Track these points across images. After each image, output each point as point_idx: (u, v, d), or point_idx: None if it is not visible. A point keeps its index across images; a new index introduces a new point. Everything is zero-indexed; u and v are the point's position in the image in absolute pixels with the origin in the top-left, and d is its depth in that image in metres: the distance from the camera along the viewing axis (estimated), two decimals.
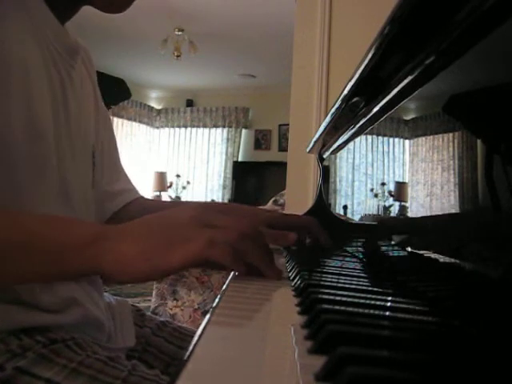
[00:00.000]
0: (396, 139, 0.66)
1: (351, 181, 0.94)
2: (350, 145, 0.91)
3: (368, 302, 0.40)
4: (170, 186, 6.31)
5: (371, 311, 0.37)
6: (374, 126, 0.72)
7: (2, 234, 0.45)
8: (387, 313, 0.37)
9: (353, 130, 0.84)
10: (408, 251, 0.55)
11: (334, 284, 0.48)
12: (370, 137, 0.79)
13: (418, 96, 0.53)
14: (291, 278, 0.53)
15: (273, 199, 2.30)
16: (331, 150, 1.07)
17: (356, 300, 0.40)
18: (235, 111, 6.41)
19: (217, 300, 0.39)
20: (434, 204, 0.49)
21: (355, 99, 0.74)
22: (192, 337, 0.29)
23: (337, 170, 1.07)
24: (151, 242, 0.45)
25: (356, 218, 0.90)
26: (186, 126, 6.68)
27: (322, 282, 0.49)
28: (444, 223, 0.46)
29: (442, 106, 0.47)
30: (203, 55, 4.83)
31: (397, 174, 0.65)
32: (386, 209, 0.69)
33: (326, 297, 0.39)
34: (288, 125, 2.01)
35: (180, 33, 4.51)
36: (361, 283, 0.51)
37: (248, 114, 6.45)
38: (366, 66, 0.59)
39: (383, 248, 0.67)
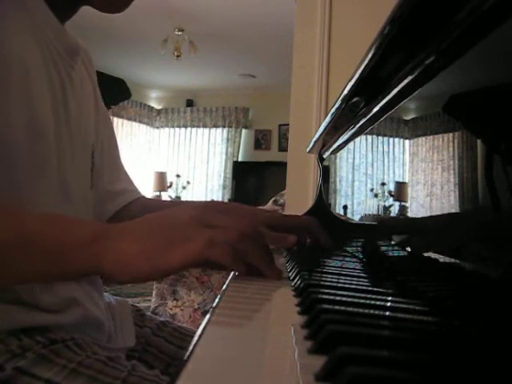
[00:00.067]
0: (396, 139, 0.66)
1: (351, 181, 0.94)
2: (350, 145, 0.91)
3: (368, 302, 0.40)
4: (170, 185, 6.31)
5: (371, 311, 0.37)
6: (374, 126, 0.72)
7: (2, 233, 0.45)
8: (387, 313, 0.37)
9: (353, 130, 0.84)
10: (408, 251, 0.55)
11: (334, 284, 0.48)
12: (370, 137, 0.79)
13: (417, 96, 0.53)
14: (291, 277, 0.53)
15: (273, 199, 2.30)
16: (331, 150, 1.07)
17: (356, 300, 0.40)
18: (235, 111, 6.41)
19: (217, 300, 0.39)
20: (434, 204, 0.49)
21: (355, 99, 0.74)
22: (192, 337, 0.29)
23: (337, 170, 1.07)
24: (151, 242, 0.45)
25: (356, 218, 0.90)
26: (185, 126, 6.68)
27: (322, 282, 0.49)
28: (444, 223, 0.46)
29: (442, 106, 0.47)
30: (203, 55, 4.83)
31: (397, 173, 0.65)
32: (386, 209, 0.69)
33: (326, 297, 0.39)
34: (288, 125, 2.01)
35: (180, 33, 4.51)
36: (361, 283, 0.51)
37: (248, 114, 6.45)
38: (366, 66, 0.59)
39: (383, 248, 0.67)
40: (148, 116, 6.67)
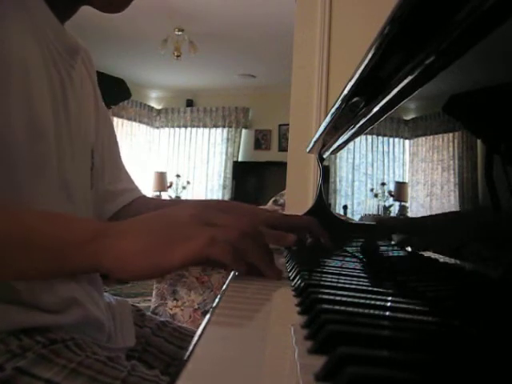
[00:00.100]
0: (396, 139, 0.66)
1: (351, 181, 0.94)
2: (350, 145, 0.91)
3: (368, 301, 0.40)
4: (170, 186, 6.30)
5: (371, 311, 0.37)
6: (374, 126, 0.72)
7: (2, 230, 0.45)
8: (387, 313, 0.37)
9: (353, 130, 0.84)
10: (408, 251, 0.55)
11: (334, 284, 0.48)
12: (370, 137, 0.79)
13: (417, 96, 0.53)
14: (291, 277, 0.53)
15: (273, 199, 2.30)
16: (331, 150, 1.07)
17: (356, 300, 0.40)
18: (235, 111, 6.41)
19: (217, 300, 0.39)
20: (434, 204, 0.49)
21: (355, 99, 0.74)
22: (192, 337, 0.29)
23: (337, 170, 1.07)
24: (152, 240, 0.45)
25: (356, 218, 0.90)
26: (186, 126, 6.67)
27: (322, 282, 0.49)
28: (444, 223, 0.46)
29: (442, 106, 0.47)
30: (203, 55, 4.82)
31: (397, 173, 0.65)
32: (386, 209, 0.69)
33: (326, 297, 0.39)
34: (288, 125, 2.01)
35: (180, 33, 4.51)
36: (361, 283, 0.51)
37: (248, 114, 6.44)
38: (366, 66, 0.59)
39: (383, 248, 0.67)
40: (148, 116, 6.67)
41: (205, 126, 6.57)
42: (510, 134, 0.33)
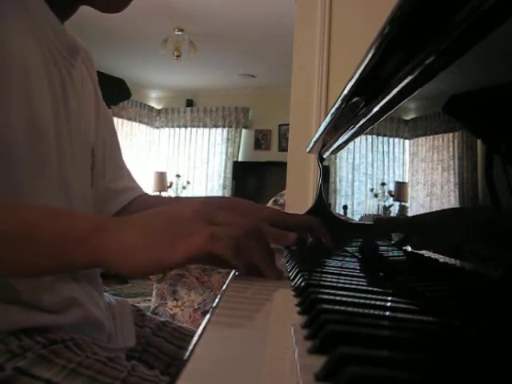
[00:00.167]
0: (396, 139, 0.66)
1: (351, 181, 0.94)
2: (350, 145, 0.91)
3: (368, 302, 0.40)
4: (170, 185, 6.30)
5: (371, 311, 0.37)
6: (374, 126, 0.72)
7: (1, 226, 0.45)
8: (387, 313, 0.37)
9: (353, 130, 0.84)
10: (408, 251, 0.55)
11: (334, 284, 0.48)
12: (370, 137, 0.79)
13: (417, 96, 0.53)
14: (291, 277, 0.53)
15: (273, 199, 2.30)
16: (331, 150, 1.07)
17: (356, 300, 0.40)
18: (235, 111, 6.41)
19: (217, 300, 0.39)
20: (434, 204, 0.49)
21: (355, 99, 0.74)
22: (192, 337, 0.29)
23: (337, 170, 1.07)
24: (153, 236, 0.45)
25: (356, 218, 0.90)
26: (186, 126, 6.67)
27: (322, 282, 0.49)
28: (444, 223, 0.46)
29: (442, 106, 0.47)
30: (203, 55, 4.82)
31: (397, 174, 0.65)
32: (386, 209, 0.69)
33: (326, 297, 0.39)
34: (288, 125, 2.01)
35: (180, 33, 4.51)
36: (361, 283, 0.51)
37: (248, 114, 6.44)
38: (366, 66, 0.59)
39: (383, 248, 0.67)
40: (148, 116, 6.67)
41: (205, 126, 6.57)
42: (510, 134, 0.33)
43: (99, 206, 0.75)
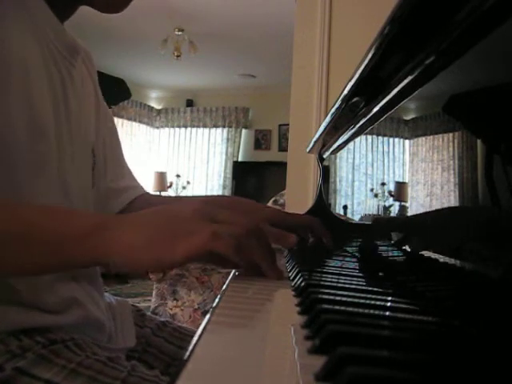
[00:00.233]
0: (396, 139, 0.66)
1: (351, 181, 0.94)
2: (350, 145, 0.91)
3: (368, 302, 0.40)
4: (170, 185, 6.30)
5: (371, 311, 0.37)
6: (374, 126, 0.72)
7: (1, 225, 0.44)
8: (387, 313, 0.37)
9: (353, 130, 0.84)
10: (408, 251, 0.55)
11: (334, 284, 0.48)
12: (370, 137, 0.79)
13: (418, 96, 0.53)
14: (291, 277, 0.53)
15: (273, 199, 2.30)
16: (331, 150, 1.07)
17: (356, 300, 0.40)
18: (235, 111, 6.41)
19: (217, 300, 0.39)
20: (434, 204, 0.49)
21: (355, 99, 0.74)
22: (192, 337, 0.29)
23: (337, 170, 1.07)
24: (154, 234, 0.45)
25: (356, 218, 0.90)
26: (186, 126, 6.67)
27: (322, 282, 0.49)
28: (444, 223, 0.46)
29: (442, 106, 0.47)
30: (203, 55, 4.82)
31: (397, 173, 0.65)
32: (386, 209, 0.69)
33: (326, 297, 0.39)
34: (288, 125, 2.01)
35: (180, 33, 4.51)
36: (361, 283, 0.51)
37: (248, 114, 6.44)
38: (366, 66, 0.59)
39: (383, 248, 0.67)
40: (148, 116, 6.67)
41: (205, 126, 6.57)
42: (510, 134, 0.33)
43: (100, 205, 0.75)
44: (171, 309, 2.30)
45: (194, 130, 6.65)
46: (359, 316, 0.35)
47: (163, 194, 6.06)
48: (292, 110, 1.94)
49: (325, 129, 0.96)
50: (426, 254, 0.49)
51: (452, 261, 0.42)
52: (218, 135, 6.52)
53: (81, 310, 0.61)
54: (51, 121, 0.58)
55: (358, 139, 0.85)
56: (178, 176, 6.44)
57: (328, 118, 0.90)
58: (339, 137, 0.94)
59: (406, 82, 0.54)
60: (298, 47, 1.93)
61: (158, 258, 0.44)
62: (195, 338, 0.28)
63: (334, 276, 0.54)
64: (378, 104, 0.65)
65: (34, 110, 0.56)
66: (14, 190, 0.54)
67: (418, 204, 0.54)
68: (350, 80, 0.68)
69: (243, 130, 6.45)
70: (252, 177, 6.30)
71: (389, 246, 0.64)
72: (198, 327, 0.32)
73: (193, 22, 4.31)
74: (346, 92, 0.72)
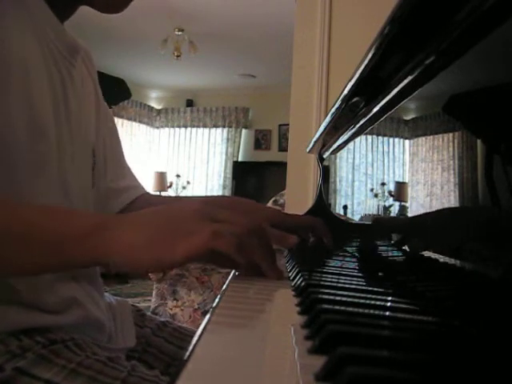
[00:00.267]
0: (396, 139, 0.66)
1: (351, 181, 0.94)
2: (350, 145, 0.91)
3: (368, 302, 0.40)
4: (170, 185, 6.30)
5: (371, 311, 0.37)
6: (374, 126, 0.72)
7: (1, 225, 0.44)
8: (387, 313, 0.37)
9: (353, 130, 0.84)
10: (408, 251, 0.55)
11: (334, 284, 0.48)
12: (369, 137, 0.79)
13: (417, 96, 0.53)
14: (291, 277, 0.53)
15: (273, 199, 2.30)
16: (331, 150, 1.07)
17: (356, 300, 0.40)
18: (235, 111, 6.41)
19: (217, 300, 0.39)
20: (434, 204, 0.49)
21: (355, 99, 0.74)
22: (192, 337, 0.29)
23: (337, 170, 1.07)
24: (154, 234, 0.45)
25: (356, 218, 0.90)
26: (186, 126, 6.67)
27: (322, 282, 0.49)
28: (444, 223, 0.46)
29: (442, 106, 0.47)
30: (203, 55, 4.82)
31: (397, 174, 0.65)
32: (386, 209, 0.69)
33: (326, 297, 0.39)
34: (288, 125, 2.01)
35: (180, 33, 4.51)
36: (361, 283, 0.51)
37: (248, 114, 6.44)
38: (366, 66, 0.59)
39: (383, 248, 0.67)
40: (148, 116, 6.67)
41: (205, 126, 6.57)
42: (510, 134, 0.33)
43: (101, 205, 0.75)
44: (171, 309, 2.31)
45: (193, 130, 6.65)
46: (359, 316, 0.35)
47: (163, 193, 6.06)
48: (292, 110, 1.94)
49: (325, 129, 0.96)
50: (426, 253, 0.49)
51: (452, 261, 0.42)
52: (218, 135, 6.52)
53: (81, 310, 0.60)
54: (51, 121, 0.58)
55: (357, 139, 0.85)
56: (177, 176, 6.44)
57: (328, 118, 0.90)
58: (339, 137, 0.94)
59: (406, 81, 0.54)
60: (298, 47, 1.93)
61: (158, 258, 0.44)
62: (195, 338, 0.28)
63: (333, 276, 0.54)
64: (377, 104, 0.65)
65: (34, 110, 0.56)
66: (14, 190, 0.54)
67: (417, 204, 0.54)
68: (350, 80, 0.68)
69: (243, 130, 6.45)
70: (252, 177, 6.30)
71: (389, 245, 0.64)
72: (197, 327, 0.32)
73: (193, 21, 4.31)
74: (345, 92, 0.72)
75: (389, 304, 0.43)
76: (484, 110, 0.38)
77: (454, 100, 0.44)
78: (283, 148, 5.97)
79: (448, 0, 0.39)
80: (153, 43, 4.59)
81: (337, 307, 0.35)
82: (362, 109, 0.75)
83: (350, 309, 0.36)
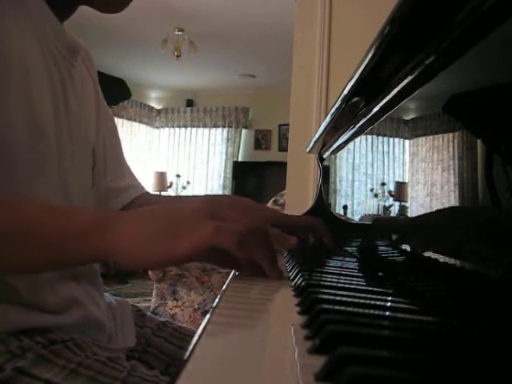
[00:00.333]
0: (396, 139, 0.66)
1: (351, 181, 0.94)
2: (350, 145, 0.91)
3: (368, 302, 0.40)
4: (170, 185, 6.30)
5: (371, 311, 0.37)
6: (374, 126, 0.72)
7: (0, 222, 0.44)
8: (387, 313, 0.38)
9: (353, 130, 0.84)
10: (408, 251, 0.55)
11: (334, 284, 0.48)
12: (370, 137, 0.79)
13: (418, 96, 0.53)
14: (291, 277, 0.53)
15: (273, 199, 2.30)
16: (331, 150, 1.07)
17: (356, 300, 0.40)
18: (235, 111, 6.41)
19: (217, 300, 0.39)
20: (434, 204, 0.49)
21: (355, 99, 0.74)
22: (192, 337, 0.29)
23: (337, 170, 1.07)
24: (158, 230, 0.45)
25: (356, 218, 0.90)
26: (186, 126, 6.67)
27: (322, 282, 0.49)
28: (444, 223, 0.46)
29: (442, 106, 0.47)
30: (203, 55, 4.82)
31: (397, 174, 0.65)
32: (386, 209, 0.69)
33: (326, 297, 0.39)
34: (288, 125, 2.01)
35: (180, 33, 4.51)
36: (361, 283, 0.51)
37: (248, 114, 6.44)
38: (366, 66, 0.59)
39: (383, 248, 0.67)
40: (148, 116, 6.67)
41: (205, 126, 6.57)
42: (510, 134, 0.33)
43: (100, 205, 0.75)
44: (171, 309, 2.31)
45: (193, 130, 6.65)
46: (359, 316, 0.35)
47: (163, 193, 6.06)
48: (292, 110, 1.94)
49: (325, 129, 0.96)
50: (426, 253, 0.49)
51: (452, 261, 0.42)
52: (218, 135, 6.52)
53: (81, 310, 0.60)
54: (51, 121, 0.58)
55: (358, 139, 0.85)
56: (178, 176, 6.44)
57: (328, 118, 0.90)
58: (339, 137, 0.94)
59: (406, 81, 0.54)
60: (298, 47, 1.93)
61: (160, 254, 0.44)
62: (195, 338, 0.28)
63: (334, 276, 0.54)
64: (378, 104, 0.65)
65: (34, 109, 0.56)
66: (14, 190, 0.54)
67: (418, 204, 0.54)
68: (350, 80, 0.68)
69: (243, 130, 6.45)
70: (252, 177, 6.30)
71: (389, 245, 0.64)
72: (197, 327, 0.32)
73: (193, 22, 4.31)
74: (345, 92, 0.72)
75: (389, 304, 0.43)
76: (484, 110, 0.38)
77: (454, 100, 0.44)
78: (283, 148, 5.97)
79: (448, 0, 0.39)
80: (153, 43, 4.59)
81: (337, 307, 0.35)
82: (362, 109, 0.75)
83: (350, 309, 0.36)
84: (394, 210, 0.65)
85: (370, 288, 0.48)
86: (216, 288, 2.26)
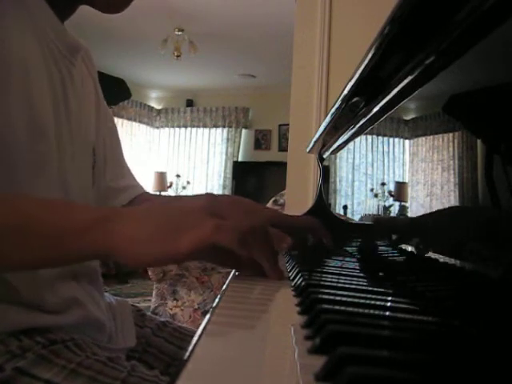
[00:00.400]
0: (396, 139, 0.66)
1: (351, 181, 0.94)
2: (350, 145, 0.91)
3: (368, 302, 0.40)
4: (170, 185, 6.30)
5: (371, 311, 0.37)
6: (374, 126, 0.72)
7: (0, 218, 0.44)
8: (387, 313, 0.38)
9: (353, 130, 0.84)
10: (408, 251, 0.55)
11: (334, 284, 0.48)
12: (369, 137, 0.79)
13: (418, 96, 0.53)
14: (291, 277, 0.53)
15: (273, 199, 2.30)
16: (331, 150, 1.07)
17: (356, 300, 0.40)
18: (235, 111, 6.41)
19: (217, 300, 0.39)
20: (434, 204, 0.49)
21: (355, 99, 0.74)
22: (192, 337, 0.29)
23: (337, 170, 1.07)
24: (156, 228, 0.45)
25: (356, 218, 0.90)
26: (186, 126, 6.67)
27: (322, 282, 0.49)
28: (444, 223, 0.46)
29: (442, 106, 0.47)
30: (203, 55, 4.82)
31: (397, 174, 0.65)
32: (386, 209, 0.69)
33: (326, 297, 0.39)
34: (288, 125, 2.01)
35: (180, 33, 4.51)
36: (361, 283, 0.51)
37: (248, 114, 6.44)
38: (366, 66, 0.59)
39: (383, 248, 0.67)
40: (148, 116, 6.67)
41: (205, 126, 6.57)
42: (510, 134, 0.33)
43: (100, 204, 0.75)
44: (171, 309, 2.31)
45: (193, 129, 6.65)
46: (359, 316, 0.35)
47: (163, 193, 6.05)
48: (292, 110, 1.94)
49: (325, 129, 0.96)
50: (426, 254, 0.49)
51: (452, 261, 0.42)
52: (218, 135, 6.52)
53: (81, 310, 0.60)
54: (51, 121, 0.58)
55: (358, 139, 0.85)
56: (178, 176, 6.44)
57: (328, 118, 0.90)
58: (339, 137, 0.94)
59: (406, 81, 0.54)
60: (298, 47, 1.93)
61: (161, 251, 0.44)
62: (195, 338, 0.29)
63: (334, 276, 0.54)
64: (378, 104, 0.65)
65: (34, 109, 0.56)
66: (14, 190, 0.54)
67: (417, 204, 0.54)
68: (350, 80, 0.68)
69: (243, 130, 6.45)
70: (252, 177, 6.30)
71: (389, 246, 0.64)
72: (197, 327, 0.32)
73: (193, 22, 4.31)
74: (345, 92, 0.72)
75: (389, 304, 0.43)
76: (484, 110, 0.38)
77: (454, 100, 0.44)
78: (283, 148, 5.97)
79: (448, 0, 0.39)
80: (153, 43, 4.59)
81: (337, 307, 0.35)
82: (362, 109, 0.75)
83: (350, 309, 0.36)
84: (394, 210, 0.65)
85: (370, 288, 0.48)
86: (216, 288, 2.26)
